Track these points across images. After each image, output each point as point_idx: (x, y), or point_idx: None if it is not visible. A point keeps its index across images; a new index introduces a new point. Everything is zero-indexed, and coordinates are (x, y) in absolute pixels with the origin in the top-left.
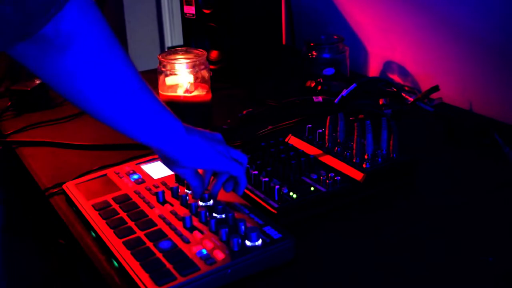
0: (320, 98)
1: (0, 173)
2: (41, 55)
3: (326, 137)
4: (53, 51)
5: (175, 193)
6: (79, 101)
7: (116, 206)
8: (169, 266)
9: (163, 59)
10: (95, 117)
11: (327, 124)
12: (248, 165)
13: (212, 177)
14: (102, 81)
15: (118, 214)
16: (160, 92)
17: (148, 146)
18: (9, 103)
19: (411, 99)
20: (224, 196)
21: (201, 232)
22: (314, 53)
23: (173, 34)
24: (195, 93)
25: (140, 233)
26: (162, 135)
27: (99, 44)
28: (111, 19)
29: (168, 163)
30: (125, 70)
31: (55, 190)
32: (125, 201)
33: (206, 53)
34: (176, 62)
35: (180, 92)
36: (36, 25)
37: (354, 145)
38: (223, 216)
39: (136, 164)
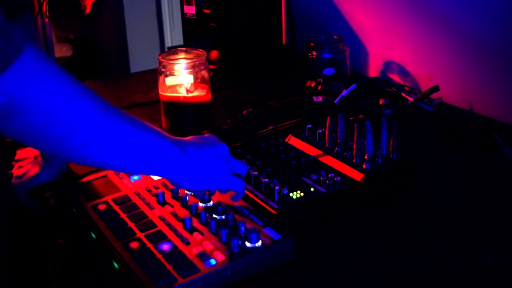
0: (320, 98)
1: (0, 173)
2: None
3: (326, 137)
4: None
5: (175, 194)
6: (52, 153)
7: (116, 207)
8: (169, 267)
9: (163, 59)
10: (80, 163)
11: (327, 124)
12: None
13: None
14: (61, 137)
15: (118, 215)
16: (160, 92)
17: (145, 174)
18: None
19: (411, 99)
20: (224, 197)
21: (201, 233)
22: (314, 53)
23: (173, 34)
24: (195, 93)
25: (140, 235)
26: (158, 163)
27: (49, 107)
28: (111, 19)
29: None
30: (96, 118)
31: (56, 190)
32: (125, 202)
33: (206, 53)
34: (176, 62)
35: (180, 92)
36: None
37: (354, 146)
38: (223, 217)
39: None
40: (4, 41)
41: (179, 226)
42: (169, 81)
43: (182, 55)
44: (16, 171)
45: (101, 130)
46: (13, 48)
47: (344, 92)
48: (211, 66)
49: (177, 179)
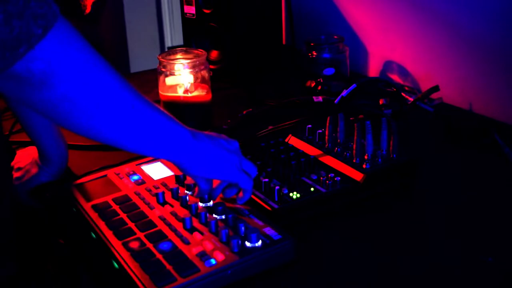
0: (320, 98)
1: (1, 174)
2: (18, 90)
3: (326, 137)
4: (30, 88)
5: (175, 194)
6: (69, 127)
7: (116, 207)
8: (169, 267)
9: (163, 59)
10: (94, 140)
11: (327, 124)
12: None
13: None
14: (88, 110)
15: (118, 215)
16: (160, 92)
17: (155, 158)
18: None
19: (411, 99)
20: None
21: (201, 233)
22: (314, 53)
23: (173, 34)
24: (195, 93)
25: (140, 234)
26: (169, 146)
27: (82, 77)
28: (111, 19)
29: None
30: (119, 94)
31: (55, 190)
32: (125, 202)
33: (206, 53)
34: (176, 62)
35: (180, 92)
36: (2, 64)
37: (354, 146)
38: (223, 217)
39: (136, 165)
40: (44, 6)
41: (179, 226)
42: (169, 81)
43: (182, 55)
44: (15, 173)
45: (123, 105)
46: (51, 14)
47: (344, 92)
48: (211, 66)
49: (186, 165)
